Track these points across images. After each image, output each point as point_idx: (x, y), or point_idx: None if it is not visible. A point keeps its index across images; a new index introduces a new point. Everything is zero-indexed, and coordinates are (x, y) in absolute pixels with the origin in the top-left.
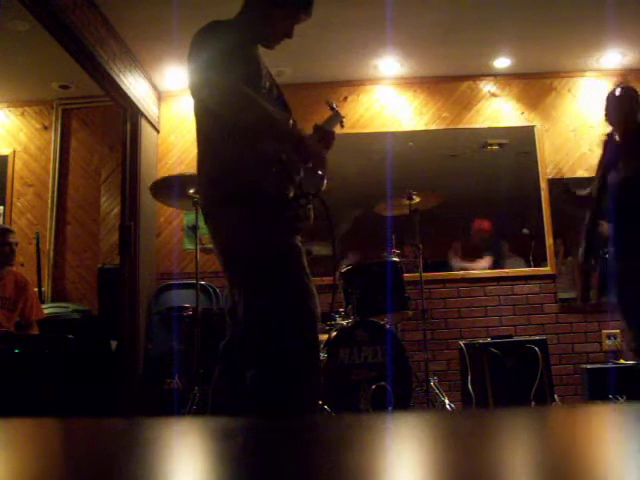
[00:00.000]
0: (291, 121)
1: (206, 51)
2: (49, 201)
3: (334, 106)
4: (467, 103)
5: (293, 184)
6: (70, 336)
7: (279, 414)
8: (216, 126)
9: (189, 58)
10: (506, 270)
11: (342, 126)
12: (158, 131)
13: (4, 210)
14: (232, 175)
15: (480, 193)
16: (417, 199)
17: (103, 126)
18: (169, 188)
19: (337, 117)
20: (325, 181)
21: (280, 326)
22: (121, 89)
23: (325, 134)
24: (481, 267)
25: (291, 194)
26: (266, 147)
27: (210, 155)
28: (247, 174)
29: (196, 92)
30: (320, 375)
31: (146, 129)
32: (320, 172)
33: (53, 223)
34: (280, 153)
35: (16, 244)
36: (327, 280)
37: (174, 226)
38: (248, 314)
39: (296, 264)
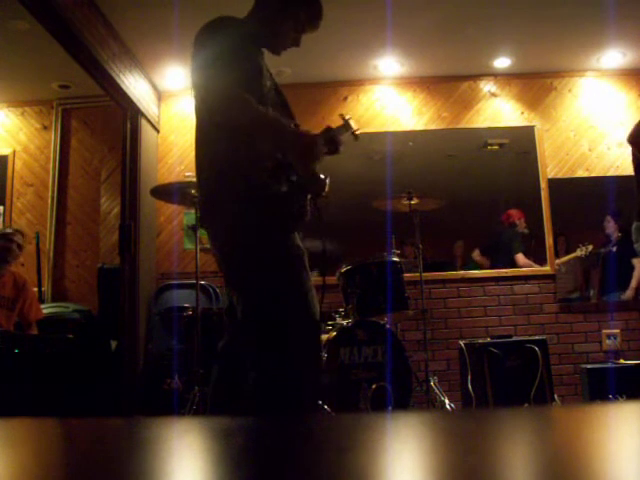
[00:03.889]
0: (293, 124)
1: (210, 48)
2: (49, 201)
3: (346, 118)
4: (467, 103)
5: (289, 182)
6: (70, 336)
7: (279, 415)
8: (214, 124)
9: (193, 53)
10: (506, 270)
11: (356, 138)
12: (158, 131)
13: (4, 210)
14: (228, 173)
15: (480, 193)
16: (417, 201)
17: (103, 126)
18: (169, 193)
19: (347, 128)
20: (328, 182)
21: (280, 327)
22: (121, 89)
23: (333, 138)
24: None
25: (286, 192)
26: (262, 148)
27: (207, 153)
28: (242, 172)
29: (196, 90)
30: (321, 376)
31: (146, 129)
32: (322, 175)
33: (53, 223)
34: (276, 152)
35: (19, 246)
36: (328, 279)
37: (174, 226)
38: (247, 315)
39: (295, 263)
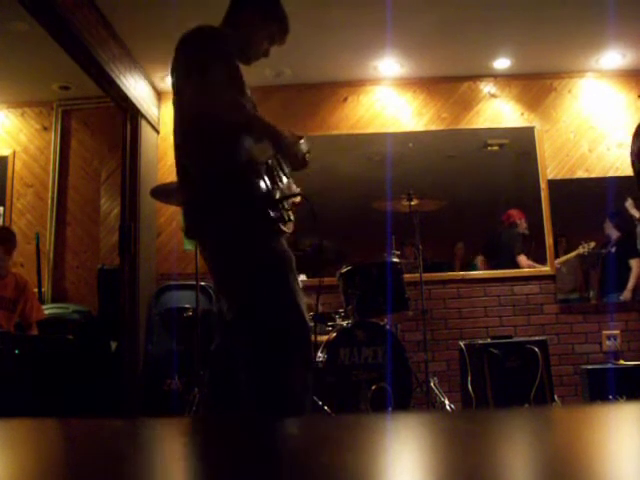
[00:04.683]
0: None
1: (194, 58)
2: (49, 201)
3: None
4: (467, 104)
5: (278, 187)
6: (70, 337)
7: (279, 415)
8: (209, 130)
9: (176, 64)
10: (506, 271)
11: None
12: (158, 132)
13: (4, 211)
14: (220, 178)
15: (480, 194)
16: (416, 201)
17: (103, 127)
18: (169, 194)
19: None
20: (293, 184)
21: (273, 328)
22: (121, 90)
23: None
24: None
25: (277, 196)
26: (254, 150)
27: (199, 160)
28: (235, 177)
29: (189, 93)
30: (312, 379)
31: (146, 130)
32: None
33: (53, 223)
34: (265, 157)
35: (6, 244)
36: (328, 280)
37: (174, 226)
38: (240, 316)
39: (285, 265)
